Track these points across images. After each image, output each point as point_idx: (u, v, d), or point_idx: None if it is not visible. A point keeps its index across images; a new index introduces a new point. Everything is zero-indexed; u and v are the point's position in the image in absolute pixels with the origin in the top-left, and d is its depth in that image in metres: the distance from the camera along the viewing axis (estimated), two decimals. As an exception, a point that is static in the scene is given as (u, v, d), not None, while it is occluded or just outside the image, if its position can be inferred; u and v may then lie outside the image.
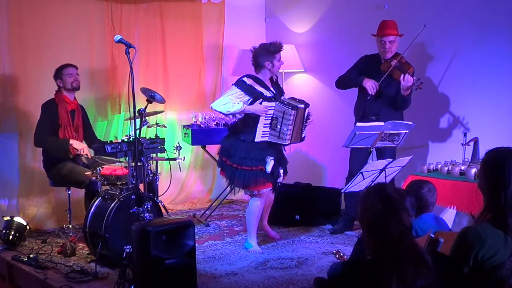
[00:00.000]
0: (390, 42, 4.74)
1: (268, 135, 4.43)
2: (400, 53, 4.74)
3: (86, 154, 4.72)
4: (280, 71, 4.97)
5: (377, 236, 2.19)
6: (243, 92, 4.38)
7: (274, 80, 4.66)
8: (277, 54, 4.47)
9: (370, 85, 4.71)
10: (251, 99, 4.39)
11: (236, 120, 4.63)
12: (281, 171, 4.60)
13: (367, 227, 2.25)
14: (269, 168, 4.43)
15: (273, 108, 4.38)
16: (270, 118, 4.39)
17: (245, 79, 4.45)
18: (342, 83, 5.00)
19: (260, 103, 4.39)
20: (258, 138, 4.41)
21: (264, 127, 4.41)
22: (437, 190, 3.64)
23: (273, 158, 4.46)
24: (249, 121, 4.44)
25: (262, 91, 4.44)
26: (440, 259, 2.35)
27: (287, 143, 4.51)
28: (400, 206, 2.20)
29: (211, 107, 4.49)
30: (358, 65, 4.95)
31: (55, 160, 4.81)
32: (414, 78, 4.55)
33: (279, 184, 4.70)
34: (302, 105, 4.44)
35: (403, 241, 2.17)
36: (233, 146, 4.48)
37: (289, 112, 4.37)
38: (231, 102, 4.35)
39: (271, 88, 4.54)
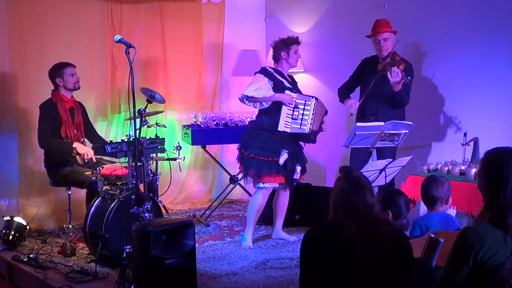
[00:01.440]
0: (384, 40, 4.74)
1: (289, 125, 4.50)
2: (395, 51, 4.73)
3: (91, 158, 4.62)
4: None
5: (344, 212, 2.44)
6: (267, 78, 4.49)
7: (291, 80, 4.72)
8: (293, 45, 4.59)
9: (349, 105, 4.85)
10: (274, 85, 4.49)
11: (258, 113, 4.67)
12: (298, 168, 4.61)
13: (335, 204, 2.48)
14: (281, 160, 4.47)
15: (295, 98, 4.49)
16: (292, 108, 4.49)
17: (266, 67, 4.61)
18: (339, 96, 5.07)
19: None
20: (281, 126, 4.50)
21: (286, 116, 4.50)
22: (449, 186, 3.46)
23: (287, 151, 4.50)
24: (271, 111, 4.52)
25: (282, 81, 4.55)
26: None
27: (307, 132, 4.55)
28: (363, 186, 2.47)
29: (241, 97, 4.48)
30: (356, 71, 5.00)
31: (56, 160, 4.81)
32: (403, 73, 4.52)
33: (295, 183, 4.72)
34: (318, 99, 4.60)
35: (368, 214, 2.43)
36: (252, 137, 4.55)
37: (309, 100, 4.52)
38: (264, 88, 4.44)
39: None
